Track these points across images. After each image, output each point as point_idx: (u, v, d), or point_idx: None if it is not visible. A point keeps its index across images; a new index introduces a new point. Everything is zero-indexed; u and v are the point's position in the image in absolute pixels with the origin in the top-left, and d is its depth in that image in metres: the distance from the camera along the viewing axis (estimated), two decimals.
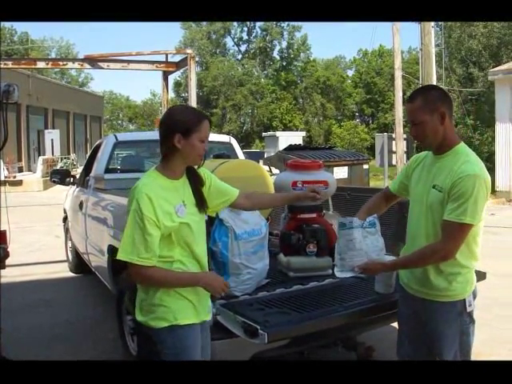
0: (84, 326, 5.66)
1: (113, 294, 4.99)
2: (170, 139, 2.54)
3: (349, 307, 3.28)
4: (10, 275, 7.35)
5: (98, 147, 6.53)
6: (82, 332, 5.46)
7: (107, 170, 5.91)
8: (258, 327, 2.88)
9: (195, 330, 2.63)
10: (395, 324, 4.10)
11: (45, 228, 12.29)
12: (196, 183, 2.69)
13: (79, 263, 7.46)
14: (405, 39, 59.67)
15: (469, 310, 2.73)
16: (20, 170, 30.00)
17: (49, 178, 7.64)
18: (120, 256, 2.47)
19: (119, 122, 71.10)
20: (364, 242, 3.03)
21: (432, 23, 16.07)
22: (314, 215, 4.06)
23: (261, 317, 3.06)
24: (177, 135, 2.53)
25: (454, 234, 2.59)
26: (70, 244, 7.90)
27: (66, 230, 8.04)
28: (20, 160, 31.67)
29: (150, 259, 2.45)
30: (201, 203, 2.67)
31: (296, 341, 3.22)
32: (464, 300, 2.72)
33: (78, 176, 7.42)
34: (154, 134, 6.28)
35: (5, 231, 4.19)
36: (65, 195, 8.09)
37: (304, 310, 3.22)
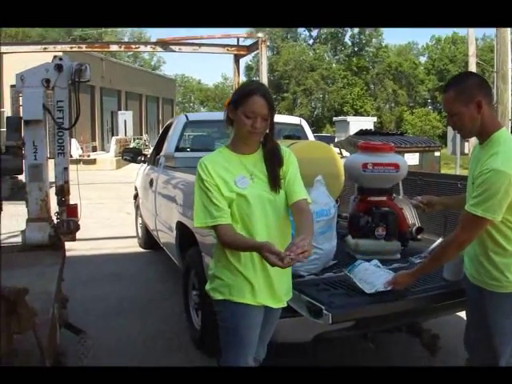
0: (151, 299, 5.71)
1: (180, 270, 5.02)
2: (226, 109, 2.58)
3: (416, 293, 3.19)
4: (83, 248, 7.68)
5: (168, 127, 6.58)
6: (148, 306, 5.52)
7: (177, 149, 5.95)
8: (323, 307, 2.84)
9: (252, 311, 2.60)
10: (460, 313, 4.10)
11: (116, 205, 12.53)
12: (272, 161, 2.61)
13: (148, 239, 7.55)
14: None
15: None
16: (94, 149, 30.82)
17: (121, 157, 7.78)
18: (196, 224, 2.52)
19: (191, 104, 71.88)
20: (381, 267, 3.22)
21: None
22: (384, 198, 3.99)
23: (326, 297, 3.02)
24: (229, 106, 2.55)
25: (467, 224, 2.59)
26: (140, 220, 7.99)
27: (137, 207, 8.14)
28: (94, 140, 32.53)
29: (222, 217, 2.46)
30: (273, 181, 2.58)
31: (360, 323, 3.17)
32: None
33: (149, 155, 7.50)
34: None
35: (76, 205, 4.34)
36: (136, 174, 8.21)
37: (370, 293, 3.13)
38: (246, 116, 2.48)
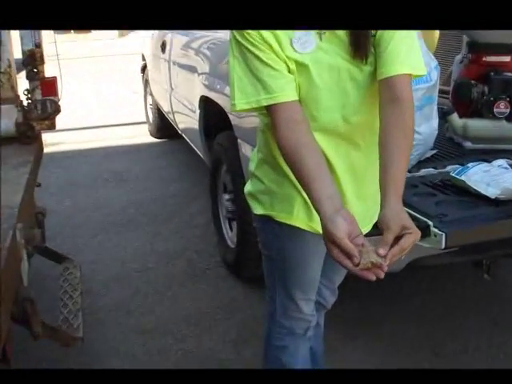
0: (165, 206, 5.57)
1: (206, 165, 4.91)
2: None
3: None
4: (75, 141, 7.73)
5: None
6: (162, 214, 5.36)
7: None
8: (431, 223, 2.45)
9: (307, 237, 2.10)
10: None
11: (119, 82, 12.52)
12: None
13: (162, 125, 7.52)
14: None
15: None
16: None
17: None
18: (239, 106, 1.88)
19: None
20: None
21: None
22: (508, 59, 3.60)
23: (433, 207, 2.63)
24: None
25: None
26: (150, 100, 7.89)
27: (145, 83, 8.01)
28: None
29: (285, 89, 1.83)
30: (358, 40, 1.89)
31: (475, 246, 2.79)
32: None
33: None
34: None
35: (54, 78, 3.94)
36: (143, 39, 8.01)
37: (495, 200, 2.71)
38: None
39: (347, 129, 1.91)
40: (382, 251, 1.56)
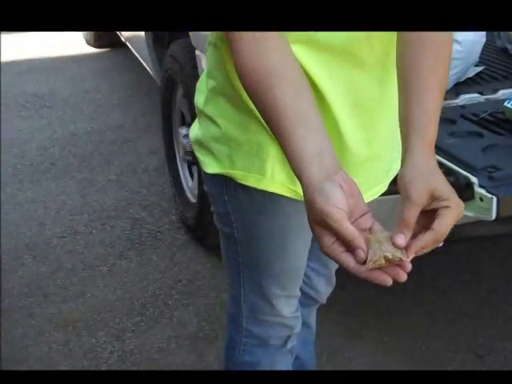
0: (103, 143, 5.58)
1: (157, 85, 4.94)
2: None
3: None
4: None
5: None
6: (98, 155, 5.38)
7: None
8: (475, 180, 2.37)
9: (284, 207, 1.94)
10: None
11: None
12: None
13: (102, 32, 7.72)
14: None
15: None
16: None
17: None
18: None
19: None
20: None
21: None
22: None
23: (478, 154, 2.56)
24: None
25: None
26: None
27: None
28: None
29: None
30: None
31: None
32: None
33: None
34: None
35: None
36: None
37: None
38: None
39: (345, 37, 1.70)
40: (399, 240, 1.31)
